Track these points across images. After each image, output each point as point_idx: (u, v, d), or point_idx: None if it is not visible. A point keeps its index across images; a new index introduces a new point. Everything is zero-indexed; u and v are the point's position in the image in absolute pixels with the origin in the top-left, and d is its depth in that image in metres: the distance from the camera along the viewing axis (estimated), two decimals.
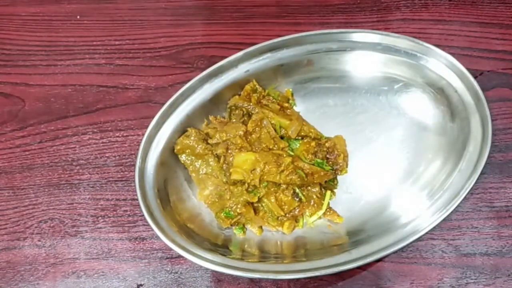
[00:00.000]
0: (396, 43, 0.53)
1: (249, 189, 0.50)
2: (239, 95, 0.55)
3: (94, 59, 0.63)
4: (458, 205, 0.46)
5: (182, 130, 0.53)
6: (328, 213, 0.51)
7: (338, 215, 0.51)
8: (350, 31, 0.54)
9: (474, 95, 0.50)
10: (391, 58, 0.54)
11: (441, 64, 0.52)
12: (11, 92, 0.61)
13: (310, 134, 0.53)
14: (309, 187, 0.51)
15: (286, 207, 0.50)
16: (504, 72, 0.59)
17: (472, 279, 0.49)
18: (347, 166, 0.53)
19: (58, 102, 0.60)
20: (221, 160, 0.51)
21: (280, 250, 0.49)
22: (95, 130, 0.58)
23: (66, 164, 0.56)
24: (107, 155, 0.57)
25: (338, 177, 0.53)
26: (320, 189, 0.51)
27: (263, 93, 0.55)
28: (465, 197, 0.46)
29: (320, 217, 0.51)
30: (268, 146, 0.51)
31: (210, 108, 0.54)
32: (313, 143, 0.53)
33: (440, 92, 0.53)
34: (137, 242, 0.52)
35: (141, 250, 0.52)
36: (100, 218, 0.54)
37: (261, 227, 0.51)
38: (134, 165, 0.54)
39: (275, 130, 0.52)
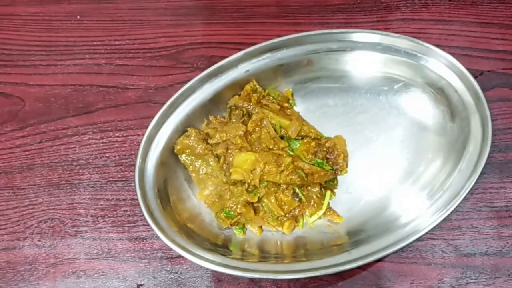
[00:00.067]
0: (396, 43, 0.53)
1: (249, 189, 0.50)
2: (239, 95, 0.55)
3: (94, 59, 0.63)
4: (458, 205, 0.47)
5: (182, 130, 0.53)
6: (328, 213, 0.51)
7: (338, 215, 0.51)
8: (350, 31, 0.54)
9: (474, 95, 0.50)
10: (391, 58, 0.54)
11: (441, 64, 0.52)
12: (11, 92, 0.61)
13: (310, 134, 0.53)
14: (309, 187, 0.51)
15: (286, 207, 0.50)
16: (504, 72, 0.59)
17: (472, 279, 0.49)
18: (347, 166, 0.53)
19: (58, 102, 0.60)
20: (221, 160, 0.51)
21: (280, 250, 0.49)
22: (95, 130, 0.58)
23: (66, 164, 0.56)
24: (107, 155, 0.57)
25: (338, 177, 0.53)
26: (320, 189, 0.51)
27: (263, 93, 0.55)
28: (465, 197, 0.46)
29: (320, 217, 0.51)
30: (268, 146, 0.51)
31: (210, 108, 0.54)
32: (313, 143, 0.53)
33: (440, 92, 0.53)
34: (137, 242, 0.52)
35: (141, 250, 0.52)
36: (100, 218, 0.54)
37: (261, 227, 0.51)
38: (134, 165, 0.54)
39: (275, 130, 0.52)
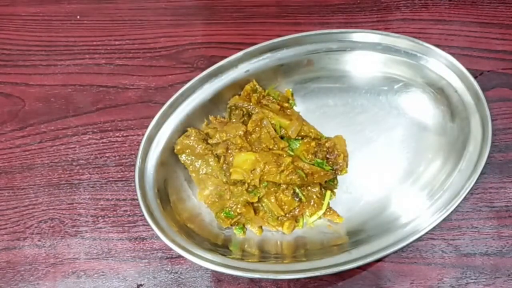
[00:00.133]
0: (396, 43, 0.53)
1: (249, 189, 0.50)
2: (239, 95, 0.55)
3: (94, 59, 0.63)
4: (458, 205, 0.47)
5: (182, 130, 0.53)
6: (328, 213, 0.51)
7: (338, 215, 0.51)
8: (350, 31, 0.54)
9: (474, 95, 0.50)
10: (391, 58, 0.54)
11: (441, 64, 0.52)
12: (11, 92, 0.61)
13: (310, 134, 0.53)
14: (309, 187, 0.51)
15: (286, 207, 0.50)
16: (504, 72, 0.59)
17: (472, 279, 0.49)
18: (347, 166, 0.53)
19: (58, 102, 0.60)
20: (221, 160, 0.51)
21: (280, 250, 0.49)
22: (95, 130, 0.58)
23: (66, 164, 0.56)
24: (107, 155, 0.57)
25: (338, 177, 0.53)
26: (320, 189, 0.51)
27: (263, 93, 0.55)
28: (465, 197, 0.46)
29: (320, 217, 0.51)
30: (268, 146, 0.51)
31: (210, 108, 0.54)
32: (313, 143, 0.53)
33: (440, 92, 0.53)
34: (137, 242, 0.52)
35: (141, 250, 0.52)
36: (100, 218, 0.54)
37: (261, 227, 0.51)
38: (134, 165, 0.54)
39: (275, 130, 0.52)
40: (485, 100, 0.50)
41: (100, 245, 0.52)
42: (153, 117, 0.51)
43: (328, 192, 0.51)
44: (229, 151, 0.51)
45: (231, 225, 0.50)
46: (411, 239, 0.45)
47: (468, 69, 0.51)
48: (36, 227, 0.53)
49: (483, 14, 0.63)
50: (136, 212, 0.54)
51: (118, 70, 0.62)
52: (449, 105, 0.52)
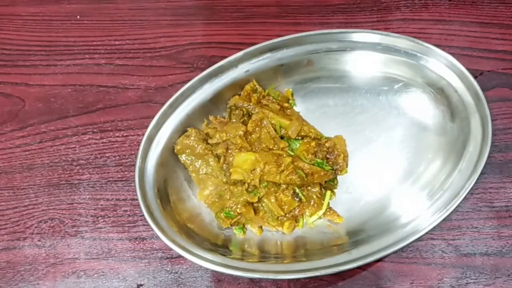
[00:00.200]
0: (396, 43, 0.53)
1: (249, 189, 0.50)
2: (239, 95, 0.55)
3: (94, 59, 0.63)
4: (458, 205, 0.47)
5: (182, 130, 0.53)
6: (328, 213, 0.51)
7: (338, 215, 0.51)
8: (350, 31, 0.54)
9: (474, 95, 0.50)
10: (391, 58, 0.54)
11: (441, 64, 0.52)
12: (11, 92, 0.61)
13: (310, 134, 0.53)
14: (309, 187, 0.51)
15: (286, 207, 0.50)
16: (504, 72, 0.59)
17: (472, 279, 0.49)
18: (347, 166, 0.53)
19: (58, 102, 0.60)
20: (221, 160, 0.51)
21: (280, 250, 0.49)
22: (95, 130, 0.58)
23: (66, 164, 0.56)
24: (107, 155, 0.57)
25: (338, 177, 0.53)
26: (320, 189, 0.51)
27: (263, 93, 0.55)
28: (465, 197, 0.47)
29: (320, 217, 0.51)
30: (268, 146, 0.51)
31: (210, 108, 0.54)
32: (313, 143, 0.53)
33: (440, 92, 0.53)
34: (137, 242, 0.52)
35: (141, 250, 0.52)
36: (100, 218, 0.54)
37: (261, 227, 0.51)
38: (134, 165, 0.54)
39: (275, 130, 0.52)
40: (485, 100, 0.50)
41: (100, 245, 0.52)
42: (153, 117, 0.51)
43: (328, 192, 0.51)
44: (229, 151, 0.51)
45: (231, 225, 0.50)
46: (411, 239, 0.45)
47: (468, 69, 0.51)
48: (36, 227, 0.53)
49: (483, 14, 0.63)
50: (136, 212, 0.54)
51: (118, 70, 0.62)
52: (449, 105, 0.52)
